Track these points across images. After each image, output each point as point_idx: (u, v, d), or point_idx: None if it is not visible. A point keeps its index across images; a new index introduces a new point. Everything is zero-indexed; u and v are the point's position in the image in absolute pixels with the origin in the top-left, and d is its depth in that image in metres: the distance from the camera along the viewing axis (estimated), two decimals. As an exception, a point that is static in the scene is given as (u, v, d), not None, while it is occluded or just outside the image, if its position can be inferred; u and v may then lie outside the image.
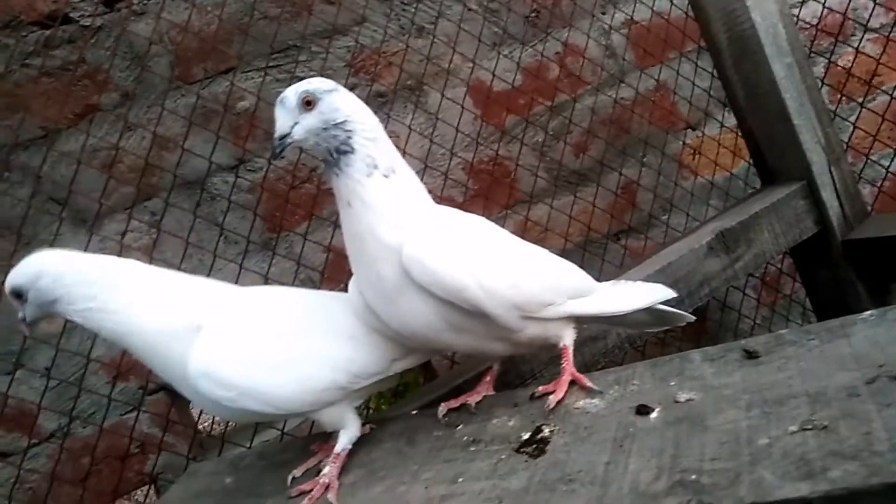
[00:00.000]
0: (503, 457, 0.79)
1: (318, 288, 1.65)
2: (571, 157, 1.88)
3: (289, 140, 0.86)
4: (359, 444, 0.97)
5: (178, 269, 1.58)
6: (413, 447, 0.92)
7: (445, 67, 1.76)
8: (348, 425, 0.97)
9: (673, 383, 0.79)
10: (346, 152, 0.86)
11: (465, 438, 0.87)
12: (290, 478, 0.96)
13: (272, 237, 1.65)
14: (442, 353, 1.02)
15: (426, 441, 0.92)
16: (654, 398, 0.77)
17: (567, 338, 0.97)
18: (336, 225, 1.68)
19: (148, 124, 1.55)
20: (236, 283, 1.55)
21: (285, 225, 1.66)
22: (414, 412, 1.01)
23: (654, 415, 0.75)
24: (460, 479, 0.78)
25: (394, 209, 0.88)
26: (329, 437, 1.00)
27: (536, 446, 0.78)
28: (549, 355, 1.27)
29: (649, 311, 1.06)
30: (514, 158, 1.81)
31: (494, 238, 0.97)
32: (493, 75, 1.78)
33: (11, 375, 1.41)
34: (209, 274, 1.53)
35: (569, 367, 0.91)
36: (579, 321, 0.99)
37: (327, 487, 0.89)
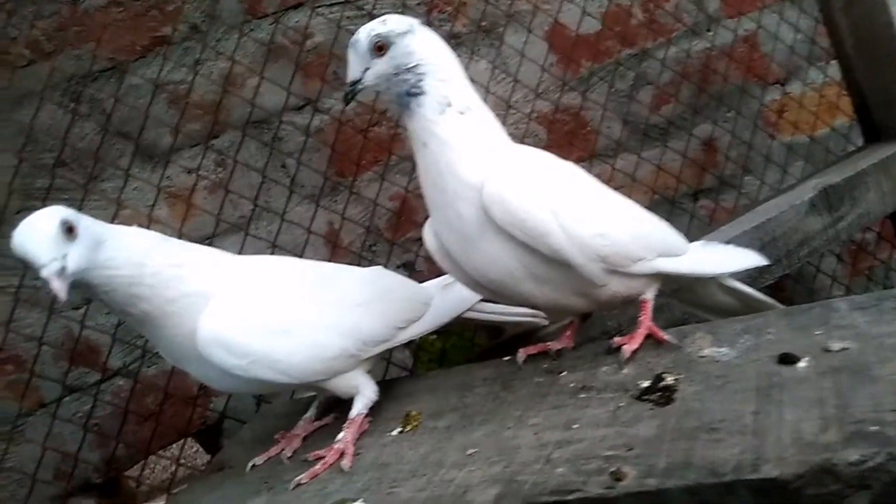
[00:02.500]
0: (621, 404, 0.73)
1: (386, 237, 1.60)
2: (652, 109, 1.77)
3: (360, 86, 0.85)
4: (449, 388, 0.92)
5: (245, 209, 1.55)
6: (511, 392, 0.86)
7: (523, 9, 1.66)
8: (363, 390, 0.95)
9: (819, 332, 0.71)
10: (417, 94, 0.83)
11: (572, 385, 0.81)
12: (249, 465, 0.94)
13: (339, 181, 1.59)
14: (517, 304, 0.96)
15: (525, 387, 0.86)
16: (798, 347, 0.70)
17: (649, 292, 0.90)
18: (404, 172, 1.62)
19: (217, 59, 1.50)
20: (309, 227, 1.52)
21: (353, 169, 1.60)
22: (506, 358, 0.95)
23: (801, 364, 0.67)
24: (575, 426, 0.72)
25: (472, 146, 0.84)
26: (294, 423, 1.00)
27: (661, 394, 0.71)
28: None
29: (737, 294, 0.98)
30: (592, 108, 1.71)
31: (582, 183, 0.90)
32: (582, 12, 1.68)
33: (84, 310, 1.39)
34: (279, 217, 1.50)
35: (646, 320, 0.86)
36: (666, 282, 0.92)
37: (342, 454, 0.86)
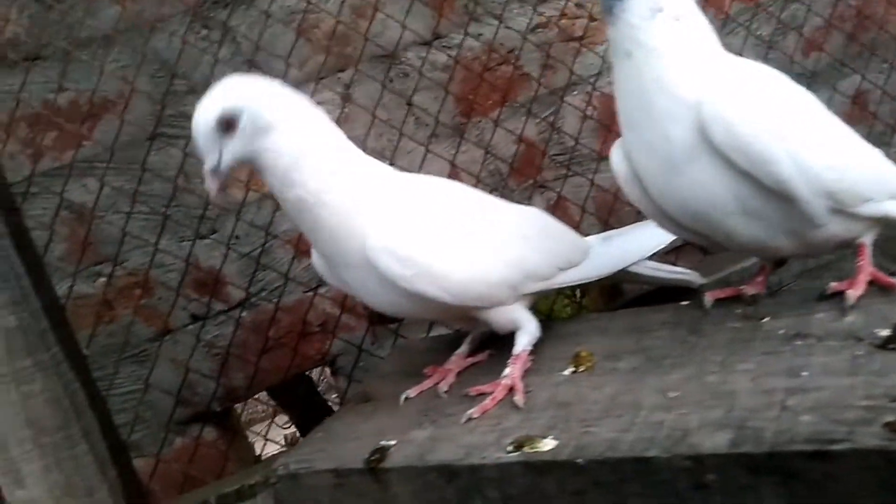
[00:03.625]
0: (859, 353, 0.65)
1: (505, 181, 1.54)
2: (801, 54, 1.63)
3: None
4: (621, 330, 0.86)
5: (366, 147, 1.51)
6: (702, 337, 0.79)
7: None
8: (525, 325, 0.90)
9: None
10: None
11: (782, 332, 0.73)
12: (402, 397, 0.91)
13: (463, 121, 1.53)
14: (711, 243, 0.87)
15: (720, 332, 0.79)
16: None
17: (867, 237, 0.80)
18: (530, 114, 1.54)
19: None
20: (421, 167, 1.47)
21: (478, 109, 1.53)
22: (685, 303, 0.88)
23: None
24: (803, 374, 0.65)
25: (687, 57, 0.75)
26: (446, 357, 0.96)
27: (911, 343, 0.63)
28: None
29: None
30: (737, 51, 1.58)
31: (814, 108, 0.81)
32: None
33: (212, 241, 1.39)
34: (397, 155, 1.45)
35: (867, 264, 0.77)
36: (886, 227, 0.81)
37: (511, 389, 0.82)
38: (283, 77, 1.41)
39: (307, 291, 1.46)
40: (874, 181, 0.78)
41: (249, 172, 1.38)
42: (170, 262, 1.39)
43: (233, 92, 0.81)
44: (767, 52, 1.61)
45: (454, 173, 1.51)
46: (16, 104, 1.27)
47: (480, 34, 1.51)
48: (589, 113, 1.57)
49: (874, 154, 0.82)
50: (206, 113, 0.79)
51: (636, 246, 0.97)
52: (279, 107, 0.82)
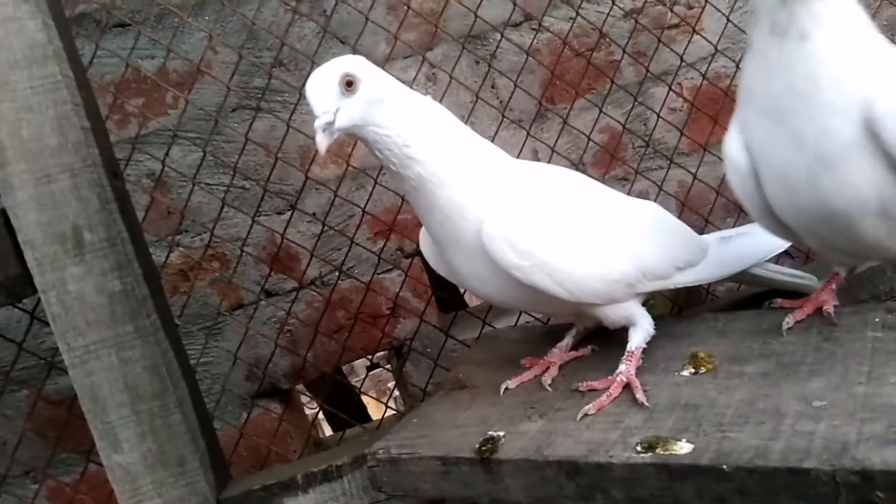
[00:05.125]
0: None
1: (591, 174, 1.50)
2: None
3: None
4: (742, 332, 0.82)
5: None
6: (838, 345, 0.75)
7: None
8: (640, 322, 0.87)
9: None
10: None
11: (935, 344, 0.69)
12: (502, 388, 0.90)
13: (549, 108, 1.49)
14: (830, 245, 0.83)
15: (858, 341, 0.75)
16: None
17: None
18: (617, 103, 1.49)
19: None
20: (519, 153, 1.44)
21: (564, 96, 1.49)
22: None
23: None
24: (972, 390, 0.60)
25: (859, 46, 0.70)
26: (548, 348, 0.94)
27: None
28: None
29: None
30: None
31: None
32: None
33: (289, 216, 1.38)
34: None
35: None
36: None
37: (626, 386, 0.80)
38: (371, 53, 1.40)
39: (380, 273, 1.44)
40: None
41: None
42: (245, 237, 1.38)
43: (353, 61, 0.82)
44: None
45: (533, 160, 1.47)
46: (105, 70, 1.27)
47: (570, 17, 1.46)
48: (676, 105, 1.52)
49: None
50: (328, 67, 0.80)
51: (756, 247, 0.93)
52: (392, 86, 0.83)
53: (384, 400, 1.67)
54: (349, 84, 0.78)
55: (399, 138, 0.80)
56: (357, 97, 0.78)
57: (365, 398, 1.97)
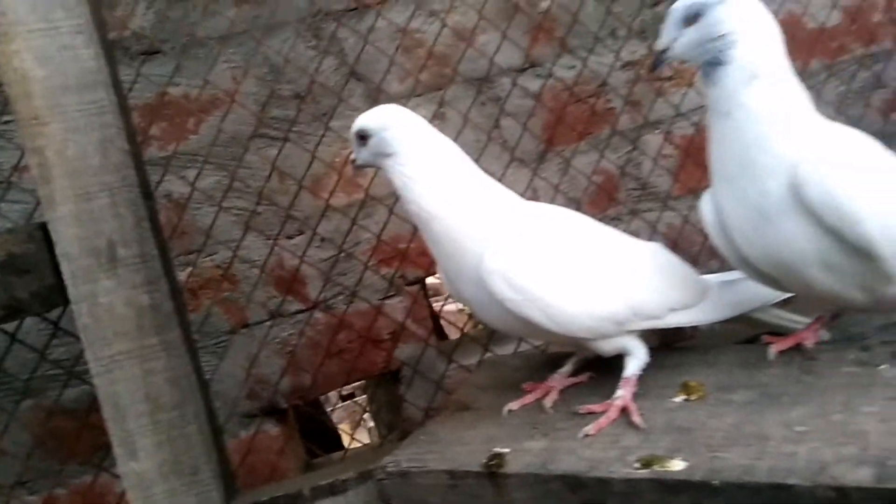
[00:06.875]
0: None
1: (581, 211, 1.58)
2: (878, 116, 1.67)
3: (667, 55, 0.87)
4: (731, 364, 0.90)
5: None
6: (817, 378, 0.82)
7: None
8: (635, 351, 0.93)
9: None
10: (721, 63, 0.81)
11: (904, 379, 0.77)
12: (505, 409, 0.95)
13: (547, 150, 1.58)
14: (788, 290, 0.92)
15: (835, 375, 0.82)
16: None
17: None
18: (613, 147, 1.59)
19: (449, 11, 1.50)
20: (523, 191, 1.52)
21: (560, 140, 1.58)
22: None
23: None
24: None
25: (784, 119, 0.81)
26: (546, 374, 1.00)
27: None
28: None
29: None
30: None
31: None
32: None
33: (297, 241, 1.43)
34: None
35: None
36: None
37: (623, 410, 0.86)
38: (383, 90, 1.49)
39: (381, 299, 1.50)
40: None
41: (339, 178, 1.43)
42: (255, 259, 1.44)
43: (372, 116, 0.94)
44: (839, 109, 1.65)
45: (533, 198, 1.56)
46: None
47: (573, 66, 1.57)
48: (668, 152, 1.62)
49: None
50: (362, 118, 0.94)
51: (755, 293, 0.98)
52: (403, 137, 0.92)
53: (355, 431, 1.70)
54: (362, 137, 0.94)
55: (404, 185, 0.91)
56: (369, 147, 0.93)
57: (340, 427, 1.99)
